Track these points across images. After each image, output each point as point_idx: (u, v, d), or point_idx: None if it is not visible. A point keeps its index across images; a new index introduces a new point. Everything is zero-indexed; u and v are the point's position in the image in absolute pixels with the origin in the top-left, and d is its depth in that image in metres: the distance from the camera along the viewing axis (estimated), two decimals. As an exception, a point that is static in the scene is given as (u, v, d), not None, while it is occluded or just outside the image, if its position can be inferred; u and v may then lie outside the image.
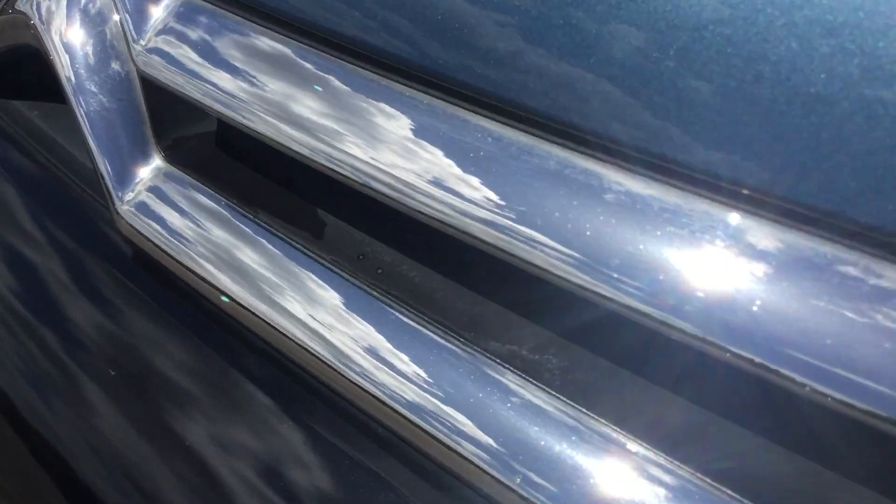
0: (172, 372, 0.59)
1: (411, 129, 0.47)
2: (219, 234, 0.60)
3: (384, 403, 0.48)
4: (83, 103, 0.66)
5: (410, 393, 0.47)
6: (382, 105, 0.49)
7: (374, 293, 0.54)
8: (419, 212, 0.48)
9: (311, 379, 0.54)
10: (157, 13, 0.64)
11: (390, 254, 0.59)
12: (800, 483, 0.39)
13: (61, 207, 0.73)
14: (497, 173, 0.43)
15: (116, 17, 0.68)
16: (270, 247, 0.58)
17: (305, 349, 0.54)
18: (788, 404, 0.36)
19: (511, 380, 0.46)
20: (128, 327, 0.63)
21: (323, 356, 0.53)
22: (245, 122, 0.57)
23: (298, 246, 0.59)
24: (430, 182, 0.46)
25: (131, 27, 0.65)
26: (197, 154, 0.67)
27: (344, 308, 0.54)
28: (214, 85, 0.59)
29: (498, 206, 0.42)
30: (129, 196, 0.64)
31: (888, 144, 0.32)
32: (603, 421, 0.43)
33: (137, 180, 0.65)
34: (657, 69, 0.37)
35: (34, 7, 0.71)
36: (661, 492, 0.39)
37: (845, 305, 0.33)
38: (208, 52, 0.59)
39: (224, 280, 0.58)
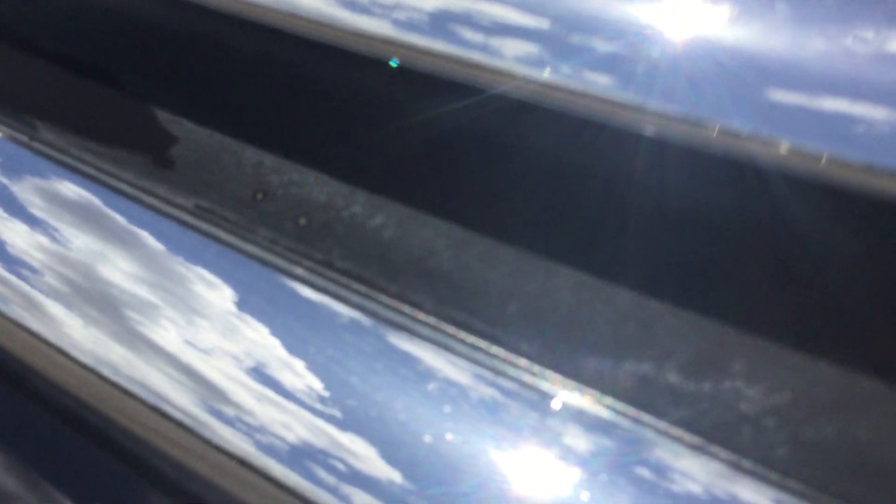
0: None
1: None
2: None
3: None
4: None
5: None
6: None
7: (300, 272, 0.40)
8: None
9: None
10: None
11: (319, 181, 0.44)
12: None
13: None
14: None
15: None
16: (80, 194, 0.46)
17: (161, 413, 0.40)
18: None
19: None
20: None
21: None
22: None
23: (128, 189, 0.46)
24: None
25: None
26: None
27: (235, 311, 0.40)
28: None
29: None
30: None
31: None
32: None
33: None
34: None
35: None
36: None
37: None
38: None
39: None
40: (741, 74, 0.31)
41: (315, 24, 0.41)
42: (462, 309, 0.38)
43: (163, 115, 0.49)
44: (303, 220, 0.43)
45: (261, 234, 0.42)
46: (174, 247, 0.43)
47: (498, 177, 0.40)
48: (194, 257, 0.42)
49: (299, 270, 0.40)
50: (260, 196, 0.45)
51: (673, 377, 0.32)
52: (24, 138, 0.49)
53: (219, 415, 0.40)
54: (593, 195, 0.37)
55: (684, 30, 0.32)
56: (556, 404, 0.34)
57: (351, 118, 0.43)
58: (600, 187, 0.36)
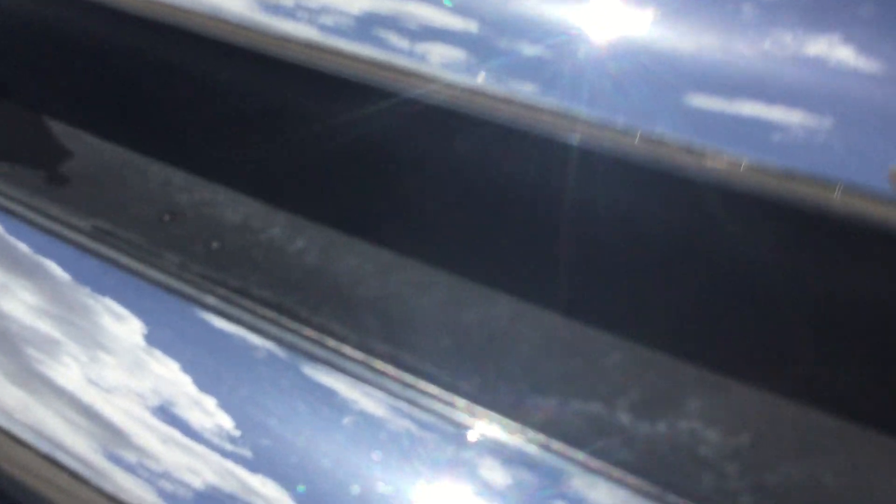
0: None
1: None
2: None
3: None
4: None
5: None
6: None
7: (212, 301, 0.38)
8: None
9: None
10: None
11: (234, 201, 0.42)
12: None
13: None
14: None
15: None
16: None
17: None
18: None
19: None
20: None
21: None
22: None
23: (18, 209, 0.43)
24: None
25: None
26: None
27: (139, 343, 0.38)
28: None
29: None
30: None
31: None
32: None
33: None
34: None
35: None
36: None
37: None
38: None
39: None
40: (664, 79, 0.30)
41: (231, 27, 0.38)
42: (391, 342, 0.36)
43: (57, 127, 0.47)
44: (215, 244, 0.41)
45: (169, 259, 0.39)
46: (71, 273, 0.40)
47: (429, 197, 0.38)
48: (94, 285, 0.40)
49: (211, 299, 0.38)
50: (167, 217, 0.42)
51: (624, 417, 0.30)
52: None
53: (119, 461, 0.37)
54: (530, 215, 0.36)
55: (605, 35, 0.32)
56: (496, 448, 0.32)
57: (269, 132, 0.41)
58: (539, 206, 0.35)
